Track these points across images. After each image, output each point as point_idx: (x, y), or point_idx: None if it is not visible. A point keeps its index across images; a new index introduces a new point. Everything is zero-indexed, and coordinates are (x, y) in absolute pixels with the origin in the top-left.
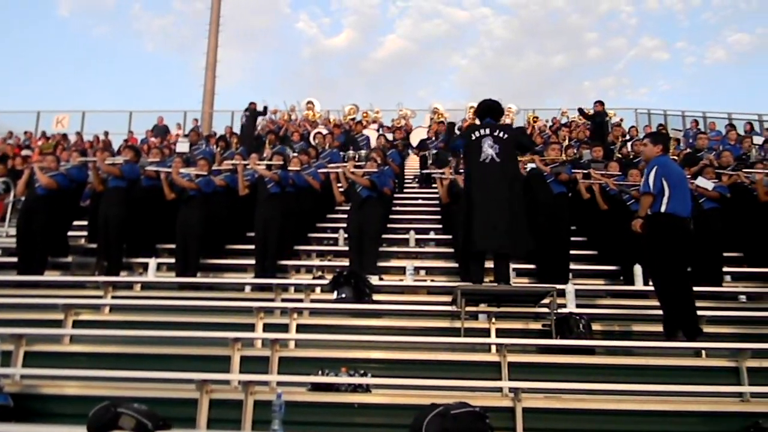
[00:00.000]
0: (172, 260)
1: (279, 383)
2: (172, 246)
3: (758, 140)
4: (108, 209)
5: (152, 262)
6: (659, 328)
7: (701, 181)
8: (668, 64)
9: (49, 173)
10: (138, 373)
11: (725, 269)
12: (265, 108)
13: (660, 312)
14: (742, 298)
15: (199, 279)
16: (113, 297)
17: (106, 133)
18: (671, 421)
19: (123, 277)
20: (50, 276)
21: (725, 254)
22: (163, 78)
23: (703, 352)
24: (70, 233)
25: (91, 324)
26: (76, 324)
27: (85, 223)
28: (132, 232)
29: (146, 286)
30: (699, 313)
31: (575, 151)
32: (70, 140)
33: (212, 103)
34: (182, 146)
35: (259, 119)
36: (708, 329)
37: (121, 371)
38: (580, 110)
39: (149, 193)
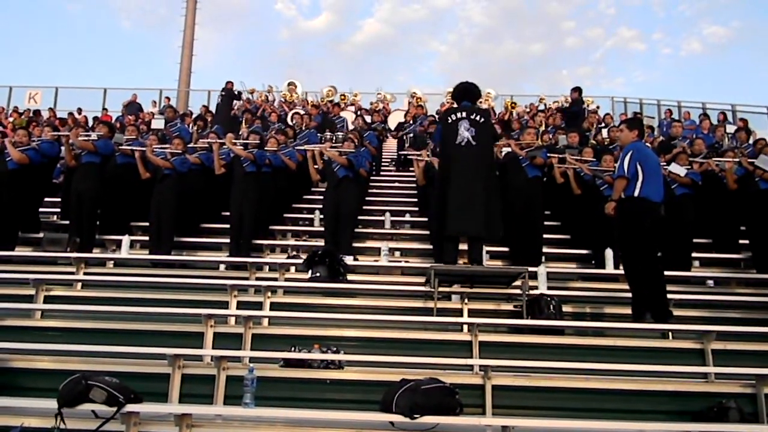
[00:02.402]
0: (146, 238)
1: (252, 359)
2: (146, 224)
3: (731, 129)
4: (81, 185)
5: (125, 239)
6: (628, 310)
7: (674, 167)
8: (645, 55)
9: (21, 148)
10: (110, 347)
11: (694, 255)
12: (239, 93)
13: (629, 295)
14: (710, 283)
15: (172, 257)
16: (85, 273)
17: (80, 110)
18: (638, 400)
19: (96, 253)
20: (21, 251)
21: (695, 240)
22: (139, 56)
23: (670, 333)
24: (42, 210)
25: (63, 299)
26: (48, 299)
27: (57, 200)
28: (106, 208)
29: (119, 263)
30: (668, 296)
31: (551, 137)
32: (42, 116)
33: (188, 82)
34: (158, 123)
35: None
36: (675, 312)
37: (93, 346)
38: (559, 110)
39: (124, 170)
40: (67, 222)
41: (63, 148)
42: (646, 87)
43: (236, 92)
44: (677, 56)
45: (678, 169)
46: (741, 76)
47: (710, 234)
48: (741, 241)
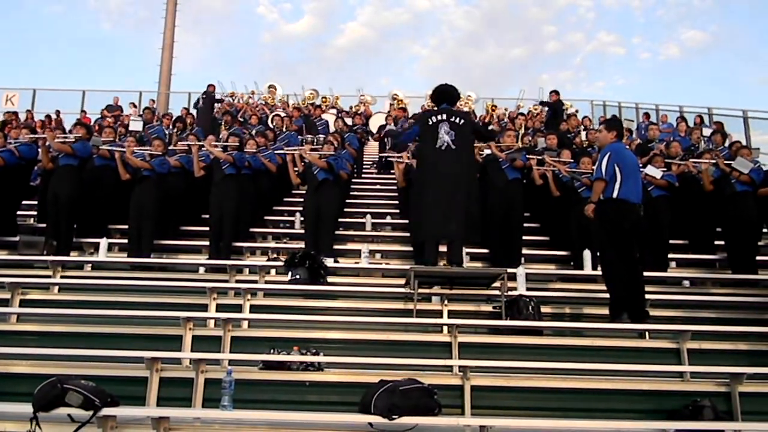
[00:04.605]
0: (125, 241)
1: (230, 362)
2: (125, 227)
3: (707, 132)
4: (58, 187)
5: (103, 242)
6: (606, 311)
7: (650, 170)
8: (624, 59)
9: None
10: (87, 351)
11: (671, 255)
12: (220, 99)
13: (606, 295)
14: (686, 283)
15: (151, 260)
16: (62, 276)
17: (58, 112)
18: (615, 399)
19: (73, 256)
20: None
21: (671, 242)
22: (119, 58)
23: (647, 333)
24: (19, 213)
25: (39, 303)
26: (24, 303)
27: (34, 202)
28: (83, 211)
29: (97, 266)
30: (645, 297)
31: (530, 139)
32: (20, 118)
33: (169, 84)
34: (136, 125)
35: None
36: (652, 312)
37: (69, 349)
38: (542, 102)
39: (102, 172)
40: (44, 225)
41: (40, 150)
42: (625, 90)
43: (217, 98)
44: (656, 60)
45: (654, 171)
46: (717, 80)
47: (686, 235)
48: (716, 242)
